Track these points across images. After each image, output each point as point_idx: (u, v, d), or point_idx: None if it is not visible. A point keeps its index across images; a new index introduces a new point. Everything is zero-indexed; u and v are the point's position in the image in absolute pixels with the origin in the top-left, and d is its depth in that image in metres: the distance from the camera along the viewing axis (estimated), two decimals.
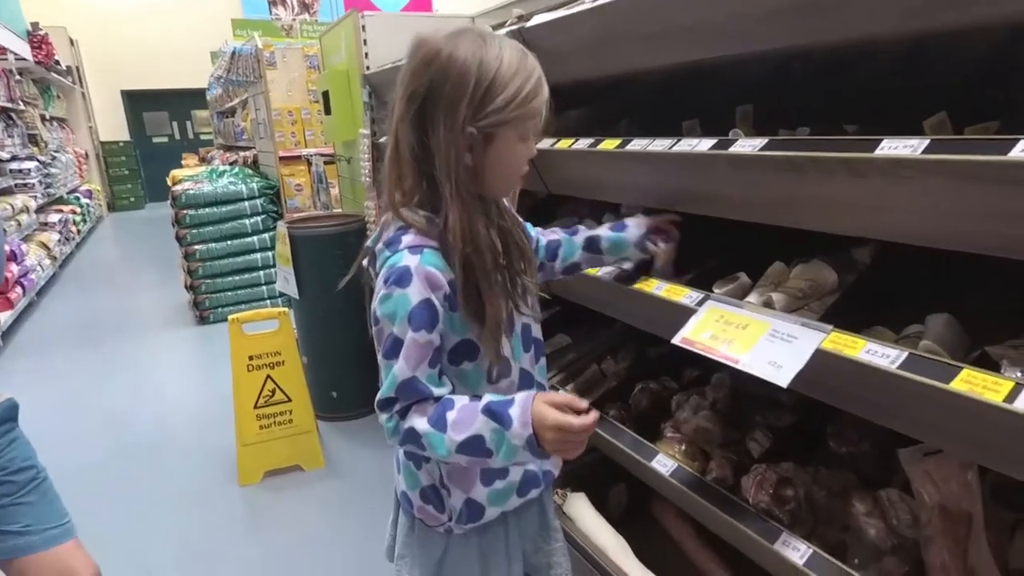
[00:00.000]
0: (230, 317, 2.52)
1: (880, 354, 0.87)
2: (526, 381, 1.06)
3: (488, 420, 0.86)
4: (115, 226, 10.40)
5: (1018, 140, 0.71)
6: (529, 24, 1.50)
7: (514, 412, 0.85)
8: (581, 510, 1.65)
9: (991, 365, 0.82)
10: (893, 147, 0.82)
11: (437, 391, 0.91)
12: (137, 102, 12.02)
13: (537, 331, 1.10)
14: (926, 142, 0.79)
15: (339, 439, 2.92)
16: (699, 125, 1.38)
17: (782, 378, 0.93)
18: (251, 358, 2.55)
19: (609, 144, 1.31)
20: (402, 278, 0.88)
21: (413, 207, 0.94)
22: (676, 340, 1.11)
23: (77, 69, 10.80)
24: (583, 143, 1.40)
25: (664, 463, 1.33)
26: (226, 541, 2.26)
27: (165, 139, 12.67)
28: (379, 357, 0.92)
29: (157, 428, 3.13)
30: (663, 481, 1.31)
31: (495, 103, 0.86)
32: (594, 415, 0.86)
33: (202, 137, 12.46)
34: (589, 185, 1.50)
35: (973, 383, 0.77)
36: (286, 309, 2.62)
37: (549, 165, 1.58)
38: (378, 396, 0.91)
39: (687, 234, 1.49)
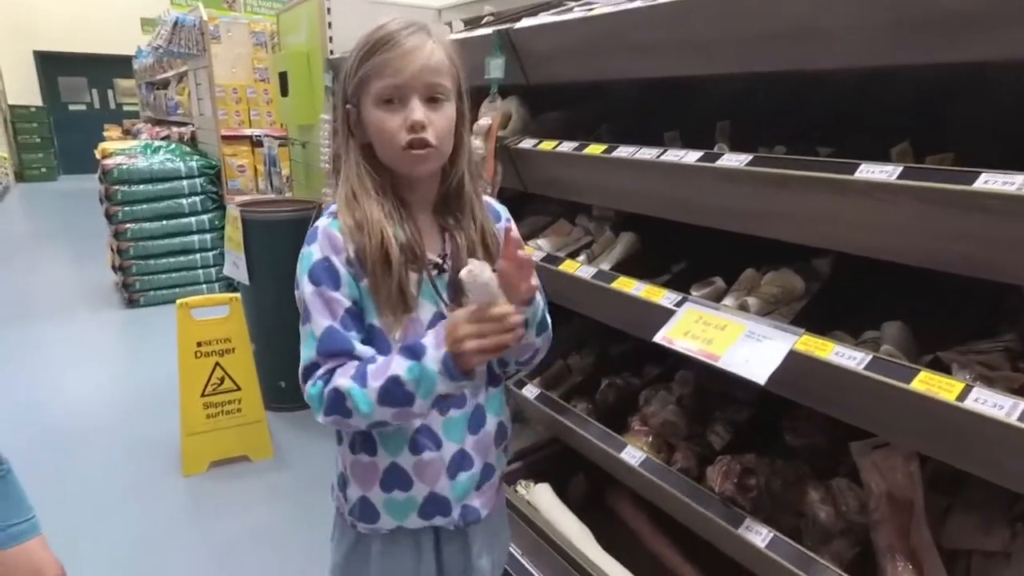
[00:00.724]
0: (179, 301, 2.42)
1: (848, 356, 0.97)
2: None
3: (403, 358, 0.85)
4: (24, 198, 9.63)
5: (980, 172, 0.81)
6: (517, 26, 1.54)
7: (427, 340, 0.85)
8: (546, 500, 1.71)
9: (943, 368, 0.94)
10: (870, 171, 0.91)
11: (359, 348, 0.89)
12: (52, 65, 11.15)
13: None
14: (900, 168, 0.88)
15: (287, 429, 2.86)
16: (679, 137, 1.46)
17: (759, 376, 1.01)
18: (199, 344, 2.46)
19: (595, 149, 1.37)
20: (310, 237, 0.92)
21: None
22: (658, 338, 1.18)
23: None
24: (567, 146, 1.45)
25: (633, 454, 1.41)
26: (173, 532, 2.18)
27: (83, 107, 11.82)
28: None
29: (86, 417, 2.96)
30: (632, 472, 1.38)
31: (347, 70, 0.91)
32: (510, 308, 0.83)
33: (125, 108, 11.70)
34: (569, 187, 1.56)
35: (930, 383, 0.87)
36: (237, 295, 2.55)
37: (529, 165, 1.62)
38: (300, 367, 0.90)
39: (660, 238, 1.57)
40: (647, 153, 1.24)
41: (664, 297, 1.26)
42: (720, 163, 1.10)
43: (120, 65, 10.34)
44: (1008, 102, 1.18)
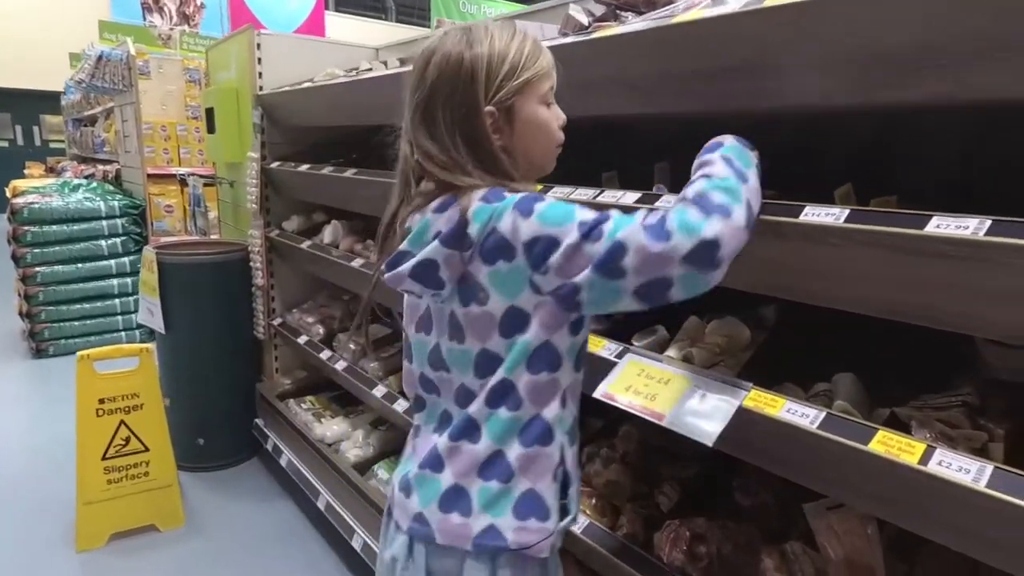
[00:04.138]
0: (79, 353, 2.18)
1: (800, 413, 0.89)
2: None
3: (705, 154, 0.89)
4: None
5: (931, 216, 0.76)
6: None
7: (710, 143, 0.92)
8: None
9: (901, 426, 0.87)
10: (815, 214, 0.85)
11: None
12: None
13: None
14: (847, 211, 0.83)
15: (203, 492, 2.60)
16: (617, 178, 1.39)
17: (708, 436, 0.92)
18: (102, 401, 2.21)
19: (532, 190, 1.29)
20: (535, 198, 0.83)
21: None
22: (597, 394, 1.08)
23: None
24: None
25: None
26: None
27: (5, 144, 11.21)
28: (596, 264, 0.75)
29: None
30: (575, 539, 1.26)
31: (502, 74, 0.87)
32: None
33: (51, 145, 11.17)
34: None
35: (889, 444, 0.80)
36: (149, 345, 2.33)
37: None
38: (640, 226, 0.75)
39: None
40: (583, 194, 1.17)
41: (604, 347, 1.17)
42: (659, 204, 1.03)
43: (48, 101, 9.89)
44: (948, 144, 1.16)
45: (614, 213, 0.79)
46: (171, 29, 6.74)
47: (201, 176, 3.88)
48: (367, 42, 2.86)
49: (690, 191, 0.79)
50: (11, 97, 10.74)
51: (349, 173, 1.99)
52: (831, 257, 0.85)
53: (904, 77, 0.78)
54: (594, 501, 1.33)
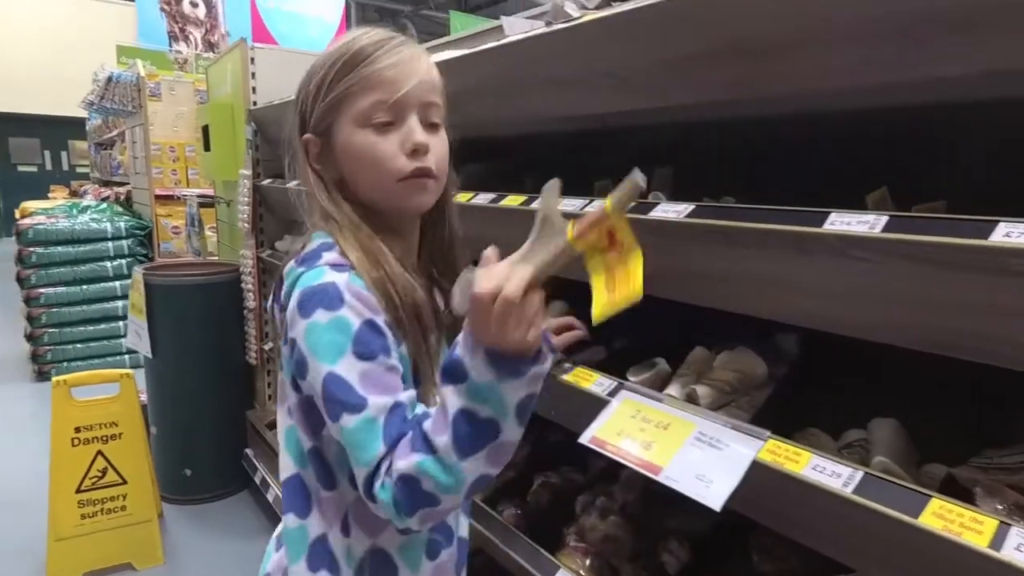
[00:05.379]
0: (55, 379, 2.07)
1: (829, 472, 0.71)
2: None
3: (449, 384, 0.61)
4: None
5: (998, 222, 0.58)
6: None
7: (458, 350, 0.62)
8: None
9: (960, 492, 0.68)
10: (845, 222, 0.68)
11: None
12: (4, 126, 10.84)
13: None
14: (884, 219, 0.65)
15: (188, 527, 2.45)
16: (612, 185, 1.23)
17: (713, 498, 0.75)
18: (78, 430, 2.09)
19: (513, 200, 1.14)
20: (327, 301, 0.67)
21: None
22: (585, 440, 0.91)
23: None
24: (483, 198, 1.22)
25: None
26: None
27: (34, 168, 11.46)
28: (331, 425, 0.67)
29: None
30: None
31: (312, 93, 0.75)
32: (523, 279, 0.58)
33: (78, 170, 11.38)
34: (488, 246, 1.31)
35: (948, 519, 0.61)
36: (130, 371, 2.20)
37: None
38: (364, 474, 0.64)
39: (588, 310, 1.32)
40: (570, 205, 1.01)
41: (596, 383, 1.00)
42: (654, 214, 0.86)
43: (75, 127, 10.08)
44: (1006, 140, 0.98)
45: (369, 409, 0.64)
46: (195, 55, 6.82)
47: (199, 196, 3.81)
48: None
49: (409, 461, 0.62)
50: (40, 123, 10.99)
51: None
52: (864, 275, 0.68)
53: (950, 47, 0.61)
54: (588, 561, 1.15)
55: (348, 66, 0.72)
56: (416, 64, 0.73)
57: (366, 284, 0.69)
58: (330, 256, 0.71)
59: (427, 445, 0.61)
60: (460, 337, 0.62)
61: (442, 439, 0.61)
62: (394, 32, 0.76)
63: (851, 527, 0.69)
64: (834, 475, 0.70)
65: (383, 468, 0.63)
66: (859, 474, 0.69)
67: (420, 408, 0.68)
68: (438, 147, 0.75)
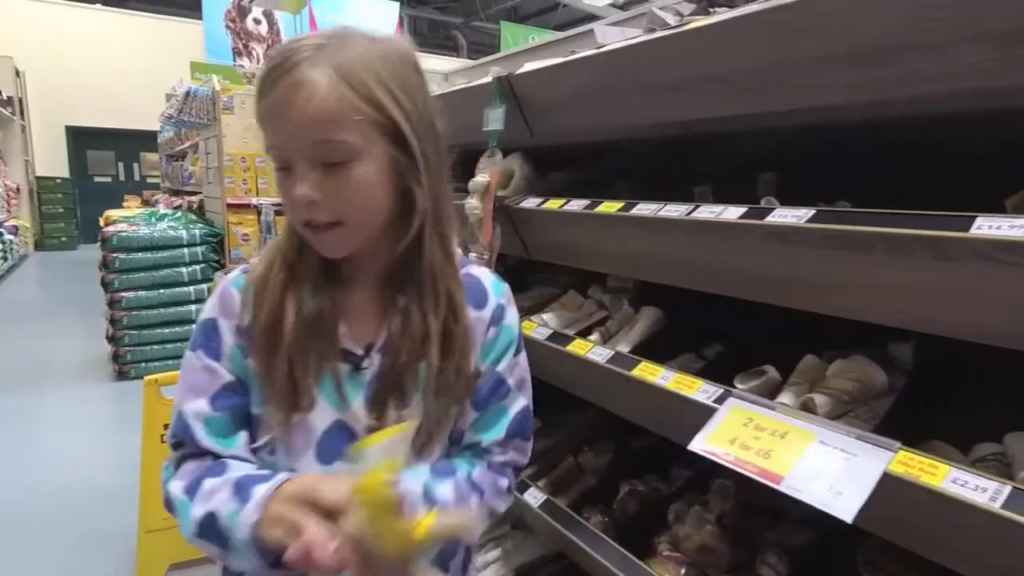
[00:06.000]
0: (147, 378, 2.17)
1: (972, 485, 0.68)
2: None
3: (232, 493, 0.65)
4: (41, 266, 9.66)
5: None
6: (519, 71, 1.35)
7: (260, 489, 0.64)
8: None
9: None
10: (993, 226, 0.66)
11: (217, 445, 0.71)
12: (82, 139, 11.51)
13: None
14: None
15: None
16: (711, 192, 1.22)
17: (843, 510, 0.73)
18: (167, 427, 2.18)
19: (610, 207, 1.14)
20: (201, 328, 0.75)
21: None
22: (695, 447, 0.90)
23: (20, 101, 10.30)
24: (577, 204, 1.23)
25: None
26: None
27: (108, 179, 12.12)
28: None
29: (41, 501, 2.66)
30: None
31: None
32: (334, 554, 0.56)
33: (149, 180, 11.98)
34: (580, 253, 1.32)
35: None
36: None
37: (533, 227, 1.40)
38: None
39: (689, 314, 1.31)
40: (674, 210, 1.01)
41: (700, 390, 0.99)
42: (771, 219, 0.85)
43: (146, 140, 10.63)
44: None
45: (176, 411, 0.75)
46: (258, 70, 7.11)
47: (275, 205, 3.95)
48: (439, 67, 2.83)
49: (177, 485, 0.71)
50: (114, 137, 11.63)
51: None
52: (1012, 281, 0.66)
53: None
54: (684, 570, 1.13)
55: (257, 95, 0.66)
56: (294, 101, 0.62)
57: (243, 285, 0.73)
58: (255, 259, 0.78)
59: (195, 492, 0.67)
60: (281, 479, 0.65)
61: (198, 506, 0.66)
62: (296, 44, 0.64)
63: (999, 544, 0.66)
64: (978, 489, 0.68)
65: (174, 454, 0.74)
66: (1007, 488, 0.66)
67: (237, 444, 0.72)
68: (336, 191, 0.65)
